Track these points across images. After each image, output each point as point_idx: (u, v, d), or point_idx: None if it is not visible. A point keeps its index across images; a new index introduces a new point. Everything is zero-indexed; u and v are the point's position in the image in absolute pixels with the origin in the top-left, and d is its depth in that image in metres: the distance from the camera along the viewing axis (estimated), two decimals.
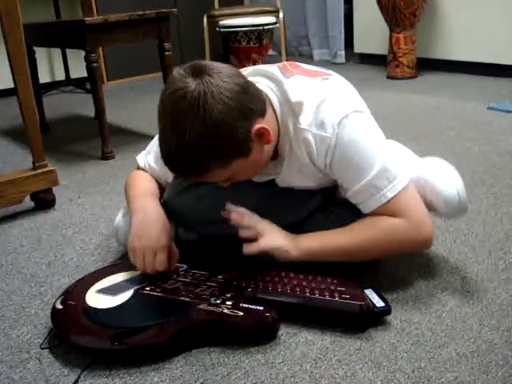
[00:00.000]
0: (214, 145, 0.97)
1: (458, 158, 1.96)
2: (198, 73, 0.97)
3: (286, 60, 3.50)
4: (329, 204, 1.29)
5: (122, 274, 1.18)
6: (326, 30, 4.46)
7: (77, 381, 0.97)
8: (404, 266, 1.27)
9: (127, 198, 1.28)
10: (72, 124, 3.07)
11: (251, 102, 1.02)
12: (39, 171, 1.72)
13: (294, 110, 1.09)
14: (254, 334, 1.03)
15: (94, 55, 2.18)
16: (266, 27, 3.55)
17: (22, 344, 1.09)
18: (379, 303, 1.06)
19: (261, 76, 1.14)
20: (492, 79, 3.32)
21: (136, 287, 1.13)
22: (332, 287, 1.08)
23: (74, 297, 1.12)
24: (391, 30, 3.53)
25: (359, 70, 4.04)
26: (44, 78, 3.76)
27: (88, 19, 2.15)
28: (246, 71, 1.16)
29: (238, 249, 1.15)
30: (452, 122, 2.49)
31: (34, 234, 1.60)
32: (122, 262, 1.18)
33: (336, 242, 1.13)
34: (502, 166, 1.89)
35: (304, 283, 1.10)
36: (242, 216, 1.16)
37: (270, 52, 4.44)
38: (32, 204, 1.78)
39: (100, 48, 3.85)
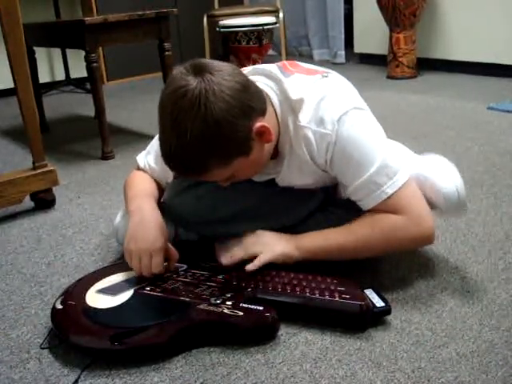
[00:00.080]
0: (215, 143, 0.97)
1: (457, 158, 1.96)
2: (199, 71, 0.97)
3: (286, 60, 3.50)
4: (329, 204, 1.29)
5: (122, 273, 1.18)
6: (326, 29, 4.46)
7: (77, 381, 0.97)
8: (404, 266, 1.27)
9: (125, 199, 1.28)
10: (72, 124, 3.07)
11: (252, 101, 1.02)
12: (39, 171, 1.72)
13: (294, 107, 1.09)
14: (254, 334, 1.03)
15: (93, 55, 2.18)
16: (265, 27, 3.55)
17: (22, 344, 1.09)
18: (379, 303, 1.06)
19: (260, 75, 1.14)
20: (492, 79, 3.32)
21: (136, 287, 1.13)
22: (332, 287, 1.08)
23: (74, 297, 1.12)
24: (391, 30, 3.53)
25: (359, 69, 4.04)
26: (44, 77, 3.76)
27: (88, 19, 2.15)
28: (245, 70, 1.16)
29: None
30: (452, 122, 2.49)
31: (34, 234, 1.60)
32: (122, 262, 1.18)
33: (336, 240, 1.13)
34: (502, 165, 1.89)
35: (304, 283, 1.10)
36: (233, 257, 1.17)
37: (270, 52, 4.44)
38: (32, 204, 1.78)
39: (100, 48, 3.85)
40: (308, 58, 4.64)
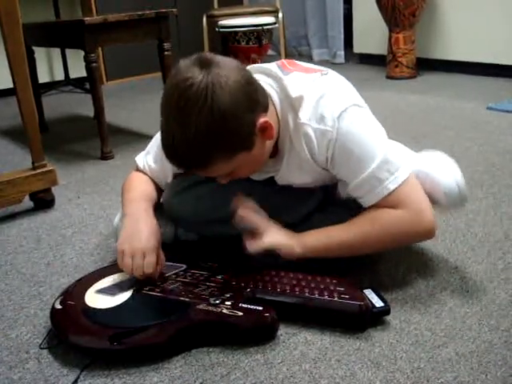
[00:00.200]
0: (220, 136, 0.97)
1: (457, 158, 1.95)
2: (205, 64, 0.97)
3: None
4: (328, 204, 1.29)
5: (122, 274, 1.18)
6: (326, 29, 4.46)
7: (76, 381, 0.97)
8: (403, 266, 1.27)
9: (122, 201, 1.28)
10: (71, 124, 3.07)
11: (256, 96, 1.02)
12: (38, 171, 1.72)
13: (294, 105, 1.09)
14: (254, 334, 1.03)
15: (93, 55, 2.18)
16: (265, 27, 3.55)
17: (21, 344, 1.09)
18: (378, 303, 1.06)
19: (260, 73, 1.14)
20: (491, 79, 3.32)
21: (135, 287, 1.13)
22: (331, 287, 1.08)
23: (74, 297, 1.12)
24: (390, 30, 3.53)
25: (358, 70, 4.04)
26: (43, 77, 3.75)
27: (87, 19, 2.15)
28: None
29: (239, 249, 1.15)
30: (451, 122, 2.49)
31: (34, 234, 1.60)
32: (117, 266, 1.18)
33: (338, 237, 1.12)
34: (502, 165, 1.89)
35: (303, 283, 1.10)
36: (247, 212, 1.15)
37: (270, 52, 4.44)
38: (31, 204, 1.78)
39: (99, 48, 3.85)
40: (307, 58, 4.64)
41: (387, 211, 1.09)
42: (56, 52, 3.97)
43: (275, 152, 1.16)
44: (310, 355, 1.00)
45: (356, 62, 4.32)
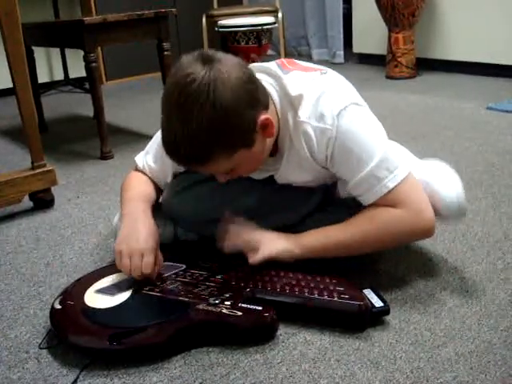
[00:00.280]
0: (221, 132, 0.97)
1: (456, 158, 1.96)
2: (207, 60, 0.97)
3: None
4: (328, 204, 1.29)
5: (121, 274, 1.17)
6: (325, 29, 4.46)
7: (75, 381, 0.97)
8: (403, 266, 1.27)
9: (121, 201, 1.28)
10: (71, 124, 3.07)
11: (258, 93, 1.03)
12: (38, 171, 1.72)
13: (294, 103, 1.09)
14: (253, 334, 1.03)
15: (92, 55, 2.18)
16: (264, 27, 3.55)
17: (21, 344, 1.09)
18: (378, 303, 1.06)
19: (260, 72, 1.14)
20: (491, 79, 3.32)
21: (135, 287, 1.13)
22: (331, 287, 1.08)
23: (73, 297, 1.12)
24: (390, 30, 3.53)
25: (358, 69, 4.04)
26: (43, 77, 3.75)
27: (87, 19, 2.15)
28: None
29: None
30: (451, 122, 2.49)
31: (33, 234, 1.60)
32: (115, 267, 1.18)
33: (337, 237, 1.12)
34: (501, 165, 1.89)
35: (303, 283, 1.10)
36: (233, 237, 1.16)
37: (269, 52, 4.44)
38: (31, 204, 1.78)
39: (99, 48, 3.85)
40: (307, 57, 4.64)
41: (386, 210, 1.09)
42: (55, 52, 3.97)
43: (275, 151, 1.16)
44: (309, 355, 1.00)
45: (355, 61, 4.32)
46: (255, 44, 3.58)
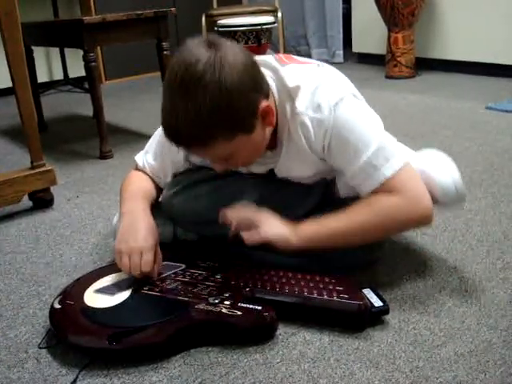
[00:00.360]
0: (224, 113, 0.97)
1: (456, 158, 1.95)
2: (212, 44, 0.98)
3: None
4: (327, 203, 1.29)
5: (120, 273, 1.17)
6: (325, 29, 4.46)
7: (75, 380, 0.97)
8: (402, 266, 1.27)
9: (120, 199, 1.28)
10: (70, 123, 3.07)
11: (261, 80, 1.04)
12: (37, 171, 1.72)
13: (291, 95, 1.10)
14: (253, 334, 1.03)
15: (92, 54, 2.18)
16: (264, 27, 3.55)
17: (20, 344, 1.09)
18: (377, 303, 1.06)
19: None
20: (490, 79, 3.32)
21: (134, 287, 1.13)
22: (330, 287, 1.08)
23: (73, 296, 1.12)
24: (389, 30, 3.53)
25: (357, 69, 4.04)
26: (42, 77, 3.75)
27: (86, 18, 2.15)
28: None
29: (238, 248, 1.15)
30: (450, 122, 2.49)
31: (32, 234, 1.60)
32: (115, 265, 1.18)
33: (335, 227, 1.11)
34: (501, 165, 1.89)
35: (302, 283, 1.10)
36: (237, 210, 1.15)
37: (269, 52, 4.43)
38: (30, 203, 1.78)
39: (98, 47, 3.85)
40: (306, 57, 4.59)
41: (383, 198, 1.08)
42: (55, 51, 3.97)
43: (274, 144, 1.16)
44: (308, 355, 1.00)
45: (355, 61, 4.32)
46: (254, 44, 3.57)
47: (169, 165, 1.29)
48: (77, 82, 3.95)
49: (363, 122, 1.09)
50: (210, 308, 1.03)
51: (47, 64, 4.05)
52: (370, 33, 3.98)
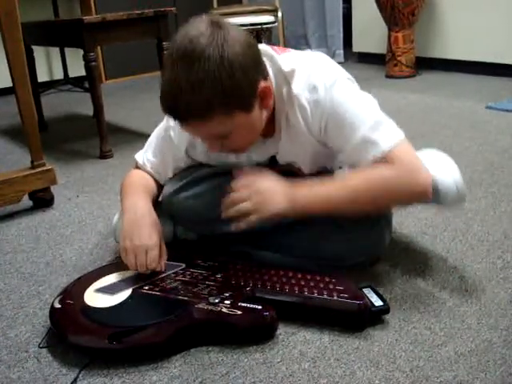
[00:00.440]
0: (225, 86, 0.97)
1: (456, 158, 1.95)
2: (216, 22, 1.00)
3: None
4: None
5: (121, 273, 1.18)
6: (325, 29, 4.46)
7: (75, 380, 0.97)
8: (402, 265, 1.27)
9: (121, 196, 1.29)
10: (70, 123, 3.07)
11: (260, 60, 1.05)
12: (37, 170, 1.72)
13: (287, 78, 1.11)
14: (253, 333, 1.03)
15: (92, 54, 2.18)
16: (264, 26, 3.55)
17: (21, 343, 1.09)
18: (377, 302, 1.06)
19: None
20: (490, 78, 3.32)
21: (134, 286, 1.13)
22: (330, 286, 1.08)
23: (73, 296, 1.12)
24: (390, 29, 3.53)
25: (358, 69, 4.03)
26: (42, 76, 3.75)
27: (86, 18, 2.15)
28: None
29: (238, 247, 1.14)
30: (450, 121, 2.49)
31: (33, 233, 1.60)
32: (120, 261, 1.18)
33: (336, 194, 1.09)
34: (501, 165, 1.89)
35: (302, 282, 1.10)
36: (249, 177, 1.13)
37: None
38: (30, 203, 1.78)
39: (98, 47, 3.85)
40: None
41: (380, 166, 1.07)
42: (55, 51, 3.97)
43: (272, 130, 1.16)
44: (309, 354, 1.00)
45: (355, 61, 4.32)
46: None
47: (170, 160, 1.30)
48: (77, 82, 3.95)
49: (359, 100, 1.11)
50: (210, 307, 1.03)
51: (47, 63, 4.05)
52: (371, 32, 3.98)
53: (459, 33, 3.48)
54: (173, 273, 1.17)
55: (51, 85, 3.94)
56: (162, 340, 1.00)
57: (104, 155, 2.30)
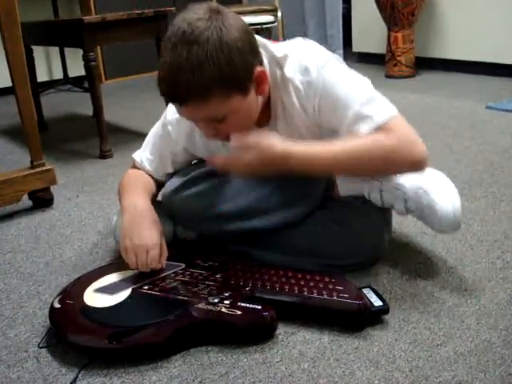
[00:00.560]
0: (224, 67, 0.98)
1: (456, 157, 1.97)
2: (214, 10, 1.01)
3: None
4: (327, 203, 1.29)
5: (120, 272, 1.18)
6: (325, 29, 4.45)
7: (75, 380, 0.97)
8: (402, 265, 1.27)
9: (119, 195, 1.29)
10: (70, 123, 3.07)
11: (256, 46, 1.07)
12: (37, 170, 1.72)
13: (279, 63, 1.12)
14: (252, 333, 1.03)
15: (92, 54, 2.18)
16: (264, 26, 3.55)
17: (20, 343, 1.09)
18: (377, 302, 1.06)
19: None
20: (490, 78, 3.32)
21: (134, 286, 1.13)
22: (330, 286, 1.08)
23: (72, 296, 1.12)
24: (389, 29, 3.53)
25: (357, 68, 3.97)
26: (42, 76, 3.75)
27: (86, 18, 2.15)
28: None
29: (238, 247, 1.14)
30: (450, 121, 2.49)
31: (32, 233, 1.60)
32: (120, 261, 1.18)
33: (331, 150, 1.08)
34: (501, 165, 1.89)
35: (302, 282, 1.10)
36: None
37: None
38: (30, 203, 1.78)
39: (98, 47, 3.85)
40: None
41: (379, 135, 1.07)
42: (55, 51, 3.97)
43: (268, 118, 1.17)
44: (308, 354, 1.00)
45: (355, 60, 4.31)
46: None
47: (168, 156, 1.30)
48: (77, 82, 3.96)
49: (350, 80, 1.13)
50: (209, 307, 1.03)
51: (47, 63, 4.05)
52: (370, 32, 3.98)
53: (459, 33, 3.48)
54: (172, 273, 1.17)
55: (51, 85, 3.94)
56: (161, 340, 1.00)
57: (104, 155, 2.30)
